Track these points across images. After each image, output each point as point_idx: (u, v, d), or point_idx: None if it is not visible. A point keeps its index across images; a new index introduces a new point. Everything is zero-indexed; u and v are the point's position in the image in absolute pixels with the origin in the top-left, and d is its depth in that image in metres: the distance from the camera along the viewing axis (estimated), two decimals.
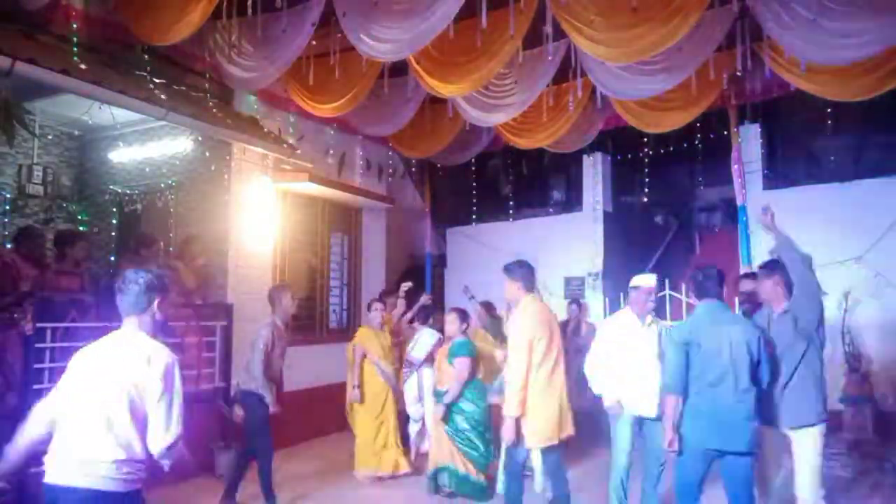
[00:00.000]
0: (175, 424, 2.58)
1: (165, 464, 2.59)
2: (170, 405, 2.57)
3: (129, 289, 2.75)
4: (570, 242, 9.24)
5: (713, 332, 3.65)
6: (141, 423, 2.54)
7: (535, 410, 4.01)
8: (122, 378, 2.56)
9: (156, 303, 2.78)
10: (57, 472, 2.49)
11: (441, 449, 5.22)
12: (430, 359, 5.97)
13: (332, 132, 8.29)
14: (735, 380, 3.55)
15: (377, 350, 5.93)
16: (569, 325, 7.55)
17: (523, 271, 4.25)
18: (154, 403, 2.54)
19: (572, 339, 7.22)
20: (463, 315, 5.48)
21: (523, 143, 7.82)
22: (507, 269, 4.28)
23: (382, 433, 5.86)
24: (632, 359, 4.38)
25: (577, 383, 5.05)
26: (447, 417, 5.18)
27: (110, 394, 2.53)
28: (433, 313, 6.46)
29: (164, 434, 2.54)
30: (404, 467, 5.87)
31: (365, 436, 5.86)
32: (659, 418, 4.05)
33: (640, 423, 4.38)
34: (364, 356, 5.91)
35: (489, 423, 5.25)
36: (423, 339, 6.10)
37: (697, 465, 3.69)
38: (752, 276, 4.90)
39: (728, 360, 3.57)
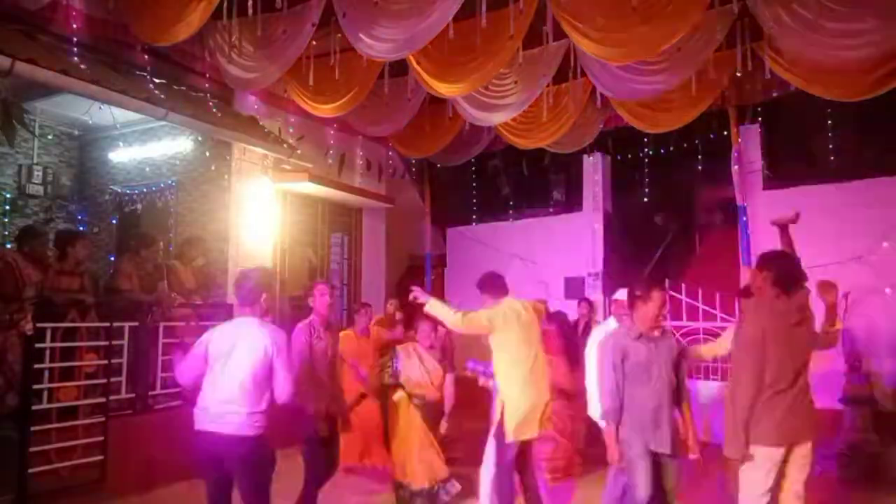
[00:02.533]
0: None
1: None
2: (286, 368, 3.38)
3: (244, 284, 3.46)
4: (570, 242, 9.24)
5: None
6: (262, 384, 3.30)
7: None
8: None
9: (263, 297, 3.47)
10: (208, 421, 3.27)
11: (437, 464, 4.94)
12: None
13: (332, 132, 8.29)
14: None
15: (354, 354, 5.89)
16: (579, 324, 7.53)
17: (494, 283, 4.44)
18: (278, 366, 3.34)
19: (582, 339, 7.22)
20: (436, 327, 5.10)
21: (523, 143, 7.81)
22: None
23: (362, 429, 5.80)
24: None
25: None
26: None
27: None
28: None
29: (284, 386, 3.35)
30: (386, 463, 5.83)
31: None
32: None
33: None
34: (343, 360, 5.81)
35: None
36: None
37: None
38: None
39: None
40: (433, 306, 4.29)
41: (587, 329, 7.58)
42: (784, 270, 3.39)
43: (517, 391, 4.14)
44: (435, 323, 4.98)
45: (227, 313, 6.47)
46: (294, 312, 7.78)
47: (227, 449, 3.27)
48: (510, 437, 4.10)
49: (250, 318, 3.43)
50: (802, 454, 3.27)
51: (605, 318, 8.13)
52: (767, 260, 3.47)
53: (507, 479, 4.24)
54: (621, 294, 4.57)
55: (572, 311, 8.08)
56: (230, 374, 3.27)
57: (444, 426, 5.05)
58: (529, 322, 4.29)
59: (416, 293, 4.30)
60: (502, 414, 4.13)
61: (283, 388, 3.34)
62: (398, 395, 5.04)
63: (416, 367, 5.03)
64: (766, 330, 3.24)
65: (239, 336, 3.35)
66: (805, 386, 3.30)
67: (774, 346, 3.21)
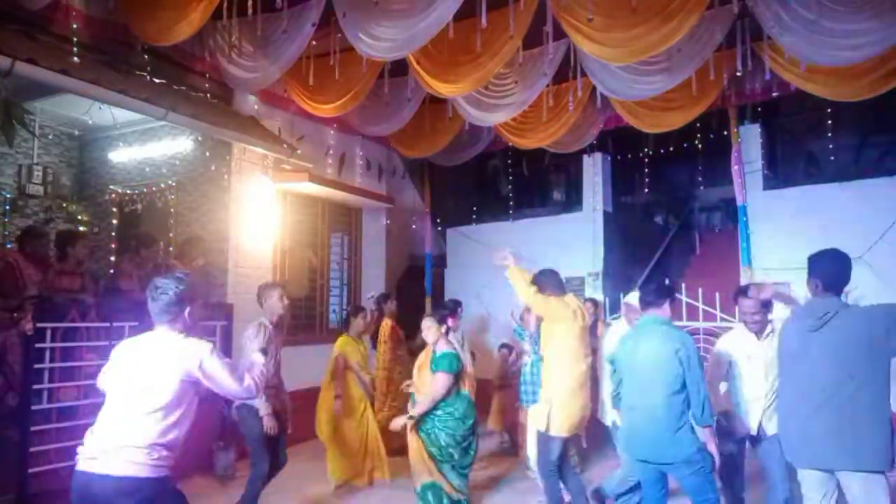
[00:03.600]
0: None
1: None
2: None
3: (159, 298, 2.85)
4: (570, 242, 9.24)
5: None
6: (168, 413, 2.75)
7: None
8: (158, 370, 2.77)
9: (186, 311, 2.93)
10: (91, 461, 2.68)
11: (424, 466, 4.75)
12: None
13: (332, 132, 8.29)
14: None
15: (357, 359, 5.91)
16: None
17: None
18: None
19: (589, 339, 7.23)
20: (442, 319, 4.95)
21: (523, 143, 7.82)
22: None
23: (362, 441, 5.83)
24: None
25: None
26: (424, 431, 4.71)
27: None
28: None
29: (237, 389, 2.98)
30: (385, 475, 5.85)
31: (346, 445, 5.77)
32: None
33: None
34: (347, 366, 5.83)
35: (472, 441, 4.79)
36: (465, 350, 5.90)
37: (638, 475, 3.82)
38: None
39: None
40: (513, 273, 4.40)
41: (593, 329, 7.59)
42: None
43: (569, 386, 4.24)
44: (439, 318, 4.93)
45: (227, 313, 6.50)
46: (294, 312, 7.79)
47: None
48: (559, 432, 4.24)
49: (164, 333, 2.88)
50: None
51: (607, 317, 8.15)
52: None
53: (552, 475, 4.39)
54: (633, 298, 4.63)
55: None
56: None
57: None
58: (585, 323, 4.43)
59: (503, 255, 4.43)
60: (551, 408, 4.24)
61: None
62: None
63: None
64: None
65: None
66: None
67: None
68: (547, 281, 4.49)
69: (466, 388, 4.80)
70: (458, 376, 4.72)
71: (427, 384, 4.75)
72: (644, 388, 3.63)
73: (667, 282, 4.02)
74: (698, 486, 3.55)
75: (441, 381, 4.60)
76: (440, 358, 4.69)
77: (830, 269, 3.24)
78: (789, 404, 3.30)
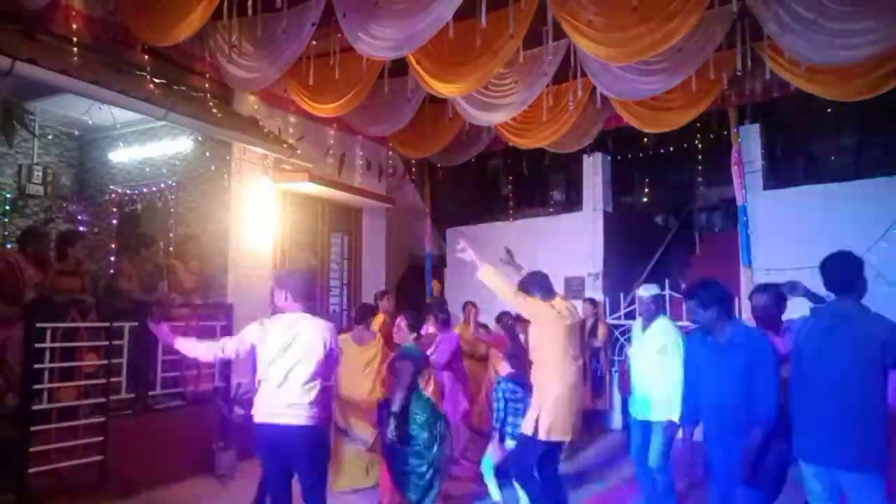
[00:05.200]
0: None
1: None
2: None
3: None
4: (570, 242, 9.23)
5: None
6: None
7: None
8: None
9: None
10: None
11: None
12: (447, 364, 5.84)
13: (332, 132, 8.29)
14: None
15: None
16: (585, 324, 7.52)
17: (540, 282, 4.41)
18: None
19: (588, 339, 7.23)
20: (413, 323, 4.67)
21: (523, 142, 7.82)
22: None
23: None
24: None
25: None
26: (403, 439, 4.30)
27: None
28: (449, 318, 6.31)
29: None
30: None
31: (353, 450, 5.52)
32: None
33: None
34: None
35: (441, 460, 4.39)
36: (443, 344, 5.95)
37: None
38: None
39: None
40: (486, 274, 4.15)
41: (593, 329, 7.59)
42: None
43: (559, 391, 4.13)
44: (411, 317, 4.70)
45: (226, 313, 6.50)
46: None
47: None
48: (542, 435, 4.10)
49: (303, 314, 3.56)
50: None
51: (607, 317, 8.15)
52: None
53: (529, 476, 4.28)
54: (649, 288, 4.69)
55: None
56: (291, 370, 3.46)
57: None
58: (573, 322, 4.29)
59: (464, 247, 4.27)
60: (539, 410, 4.13)
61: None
62: None
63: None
64: None
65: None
66: None
67: None
68: (532, 283, 4.35)
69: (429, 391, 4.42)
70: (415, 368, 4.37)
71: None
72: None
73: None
74: None
75: (405, 368, 4.33)
76: (403, 351, 4.50)
77: (841, 272, 3.28)
78: (801, 401, 3.31)
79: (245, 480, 5.00)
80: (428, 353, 5.57)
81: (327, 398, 3.70)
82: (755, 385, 3.24)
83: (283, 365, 3.44)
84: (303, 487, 3.51)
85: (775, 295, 3.98)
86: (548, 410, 4.10)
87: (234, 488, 5.29)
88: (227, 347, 3.59)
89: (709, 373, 3.49)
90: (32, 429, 4.62)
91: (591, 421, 7.07)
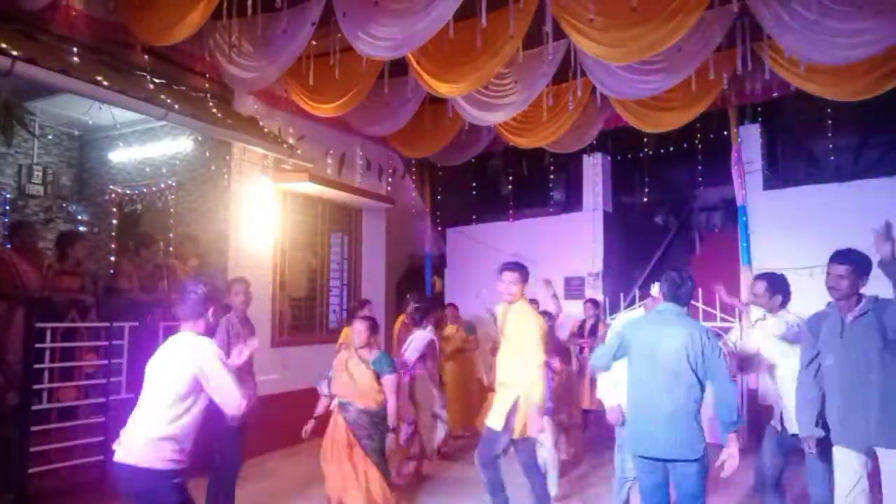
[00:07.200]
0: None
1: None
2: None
3: (187, 298, 3.11)
4: (570, 242, 9.24)
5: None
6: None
7: None
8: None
9: (210, 312, 3.17)
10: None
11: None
12: (421, 359, 5.88)
13: (332, 132, 8.29)
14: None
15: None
16: (585, 325, 7.52)
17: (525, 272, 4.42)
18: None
19: (589, 339, 7.23)
20: (373, 326, 4.69)
21: (523, 142, 7.82)
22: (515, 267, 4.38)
23: None
24: None
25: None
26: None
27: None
28: (426, 315, 6.36)
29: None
30: None
31: None
32: None
33: None
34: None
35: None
36: (416, 341, 6.02)
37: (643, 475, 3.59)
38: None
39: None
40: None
41: (594, 329, 7.58)
42: None
43: (527, 390, 4.19)
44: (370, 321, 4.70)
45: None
46: (294, 313, 7.80)
47: None
48: (515, 434, 4.20)
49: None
50: None
51: (606, 317, 8.14)
52: None
53: (493, 467, 4.29)
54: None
55: (575, 311, 8.10)
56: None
57: (391, 439, 4.69)
58: (535, 326, 4.28)
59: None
60: (515, 407, 4.19)
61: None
62: (333, 405, 4.65)
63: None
64: None
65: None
66: None
67: None
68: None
69: None
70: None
71: (352, 386, 4.50)
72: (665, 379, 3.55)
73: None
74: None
75: (393, 382, 4.51)
76: (384, 361, 4.53)
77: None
78: (832, 385, 3.53)
79: (245, 480, 5.00)
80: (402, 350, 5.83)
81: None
82: None
83: None
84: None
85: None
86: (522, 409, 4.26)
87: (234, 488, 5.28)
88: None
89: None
90: (32, 429, 4.63)
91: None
